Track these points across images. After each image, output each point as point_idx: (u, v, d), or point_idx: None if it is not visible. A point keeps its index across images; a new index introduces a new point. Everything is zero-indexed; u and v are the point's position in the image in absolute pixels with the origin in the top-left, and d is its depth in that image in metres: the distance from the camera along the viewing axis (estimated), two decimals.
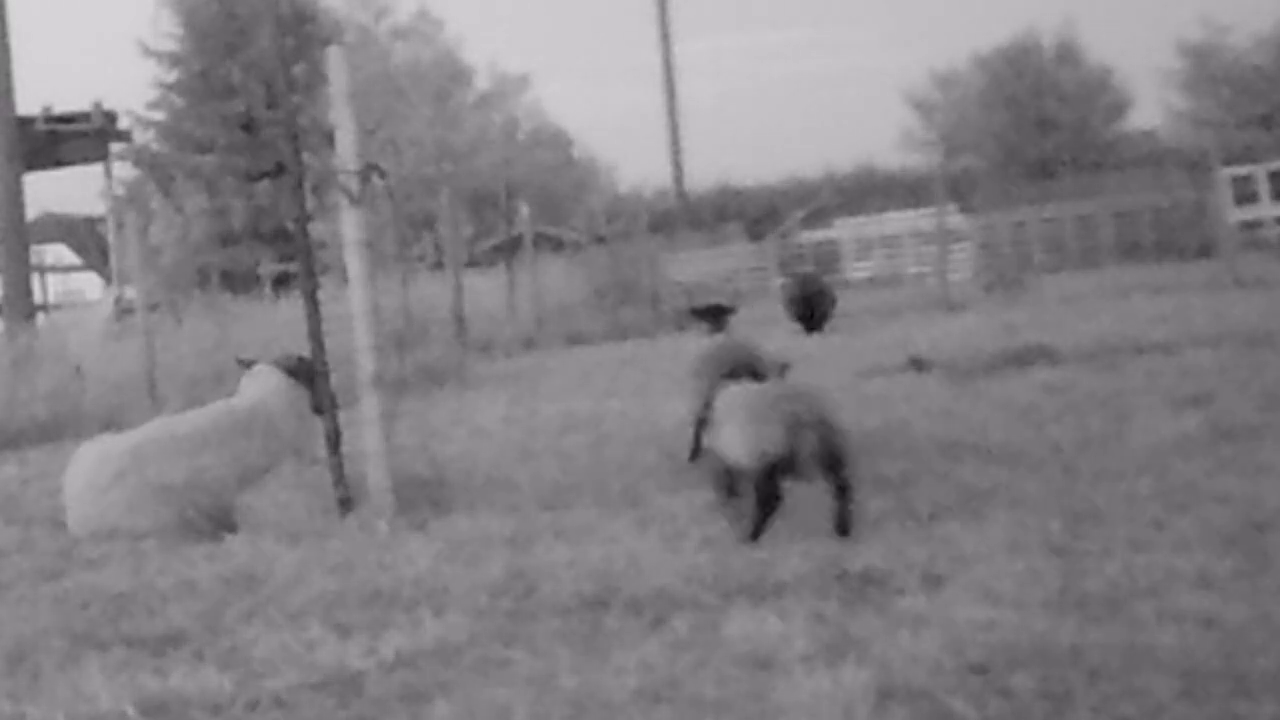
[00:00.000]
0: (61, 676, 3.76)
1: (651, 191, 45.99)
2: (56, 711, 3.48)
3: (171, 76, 38.84)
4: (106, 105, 26.96)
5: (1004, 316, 14.51)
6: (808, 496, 5.41)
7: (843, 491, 4.71)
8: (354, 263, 5.87)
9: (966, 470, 5.66)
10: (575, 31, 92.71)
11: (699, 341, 7.02)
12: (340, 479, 5.79)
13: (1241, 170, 27.59)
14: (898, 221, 32.98)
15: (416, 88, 42.97)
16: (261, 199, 35.59)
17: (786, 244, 33.71)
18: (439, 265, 21.74)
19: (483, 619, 4.03)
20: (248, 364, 6.87)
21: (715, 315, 7.20)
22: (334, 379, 6.02)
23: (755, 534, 4.69)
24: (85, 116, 26.49)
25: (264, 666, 3.75)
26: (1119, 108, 46.47)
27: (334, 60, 5.88)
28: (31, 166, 22.15)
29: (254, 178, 35.62)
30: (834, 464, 4.68)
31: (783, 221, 38.28)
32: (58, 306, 26.74)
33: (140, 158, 38.02)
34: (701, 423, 5.59)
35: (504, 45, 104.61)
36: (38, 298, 22.38)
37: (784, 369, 6.00)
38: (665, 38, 43.92)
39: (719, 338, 6.87)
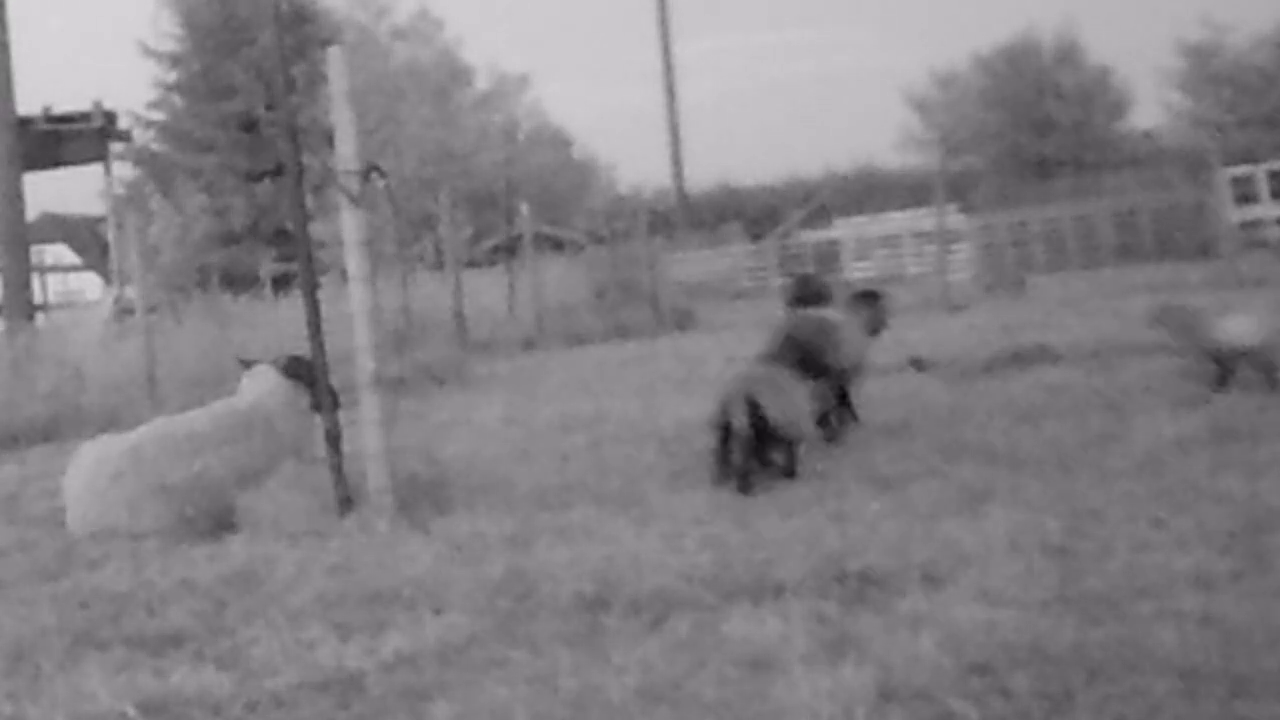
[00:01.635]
0: (61, 676, 3.77)
1: (651, 191, 45.94)
2: (56, 711, 3.49)
3: (172, 76, 38.93)
4: (106, 105, 26.90)
5: (1004, 316, 14.50)
6: (807, 496, 5.42)
7: (790, 459, 5.88)
8: (354, 263, 5.87)
9: (966, 470, 5.66)
10: (575, 31, 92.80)
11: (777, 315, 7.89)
12: (340, 479, 5.78)
13: (1241, 170, 27.52)
14: (898, 221, 32.95)
15: (416, 88, 42.92)
16: (261, 199, 35.64)
17: (786, 244, 33.68)
18: (439, 265, 21.71)
19: (483, 619, 4.03)
20: (248, 364, 6.88)
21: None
22: (334, 379, 6.03)
23: (742, 486, 5.59)
24: (85, 116, 26.45)
25: (264, 666, 3.75)
26: (1119, 108, 46.38)
27: (334, 60, 5.88)
28: (31, 166, 22.11)
29: (254, 178, 35.69)
30: (767, 438, 5.71)
31: (783, 221, 38.28)
32: (58, 306, 26.69)
33: (140, 158, 38.09)
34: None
35: (504, 45, 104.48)
36: (38, 298, 22.34)
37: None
38: (665, 38, 43.88)
39: (800, 312, 7.47)
